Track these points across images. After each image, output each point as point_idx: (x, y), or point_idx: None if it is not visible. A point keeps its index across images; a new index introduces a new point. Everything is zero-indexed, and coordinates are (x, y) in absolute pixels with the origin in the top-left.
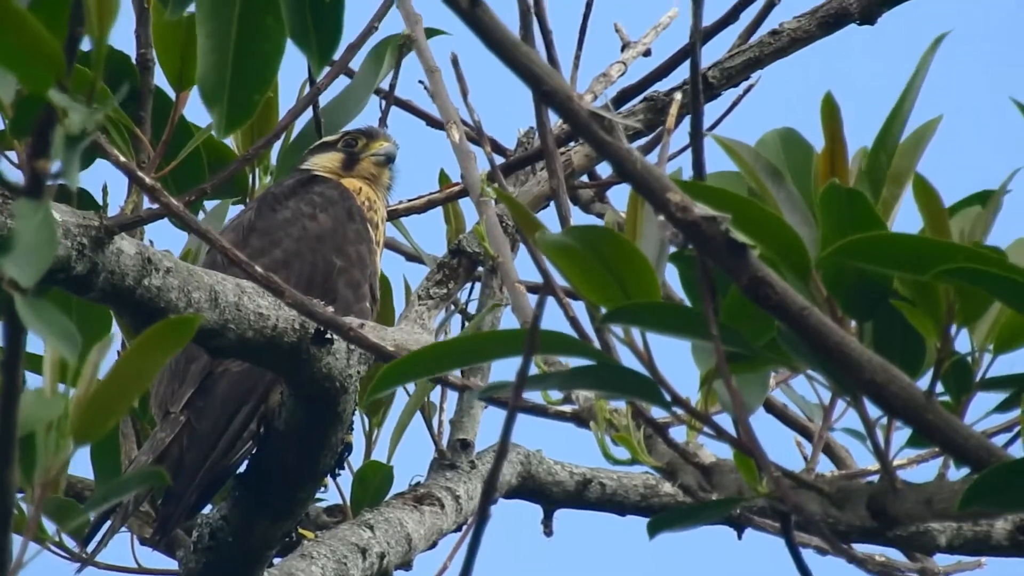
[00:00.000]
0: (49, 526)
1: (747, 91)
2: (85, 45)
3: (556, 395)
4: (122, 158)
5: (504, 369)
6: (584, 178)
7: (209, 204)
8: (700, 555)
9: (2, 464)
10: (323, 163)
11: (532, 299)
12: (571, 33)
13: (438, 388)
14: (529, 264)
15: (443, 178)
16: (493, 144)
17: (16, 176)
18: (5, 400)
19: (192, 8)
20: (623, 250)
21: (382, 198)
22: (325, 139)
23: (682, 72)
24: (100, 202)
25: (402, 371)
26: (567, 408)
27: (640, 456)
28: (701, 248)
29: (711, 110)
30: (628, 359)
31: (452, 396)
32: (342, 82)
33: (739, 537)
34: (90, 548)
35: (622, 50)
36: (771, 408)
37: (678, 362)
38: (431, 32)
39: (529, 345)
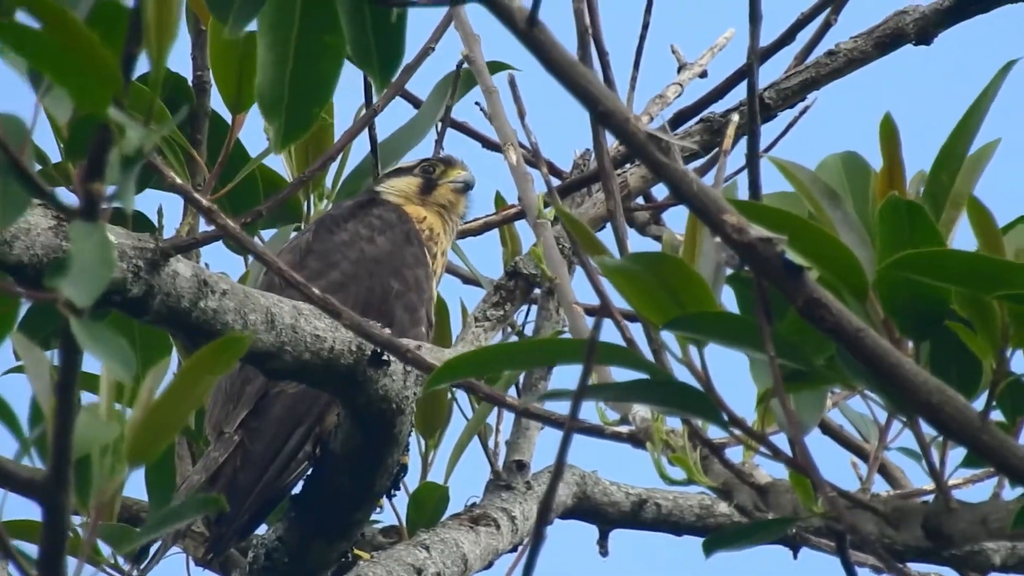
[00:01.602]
0: (104, 548)
1: (803, 112)
2: (142, 66)
3: (613, 416)
4: (178, 179)
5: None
6: (640, 200)
7: (265, 233)
8: (756, 575)
9: (57, 487)
10: (400, 187)
11: (589, 322)
12: (628, 55)
13: (494, 410)
14: (585, 286)
15: (499, 200)
16: (549, 166)
17: (71, 199)
18: (60, 422)
19: (251, 27)
20: (682, 272)
21: (451, 229)
22: (401, 165)
23: (738, 93)
24: (155, 224)
25: (459, 368)
26: (623, 429)
27: (696, 476)
28: (757, 269)
29: (767, 131)
30: (685, 379)
31: (508, 418)
32: (399, 105)
33: (795, 557)
34: (141, 567)
35: (678, 71)
36: (827, 429)
37: (735, 382)
38: (495, 66)
39: (588, 353)
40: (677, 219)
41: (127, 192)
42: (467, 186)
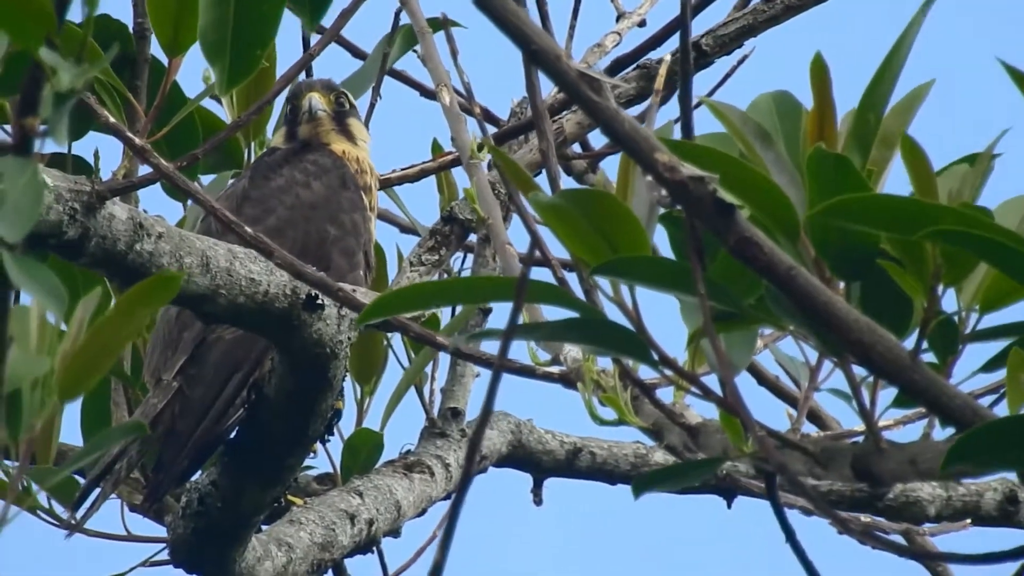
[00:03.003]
0: (42, 498)
1: (742, 61)
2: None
3: (544, 356)
4: (112, 119)
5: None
6: (577, 148)
7: (206, 179)
8: (690, 524)
9: None
10: (277, 140)
11: (520, 264)
12: (566, 4)
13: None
14: (521, 233)
15: (436, 147)
16: (486, 114)
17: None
18: None
19: None
20: (614, 210)
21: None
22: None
23: (676, 42)
24: (92, 168)
25: (392, 303)
26: (555, 369)
27: (627, 417)
28: (689, 209)
29: (706, 78)
30: (617, 319)
31: (443, 365)
32: (339, 54)
33: (728, 506)
34: (80, 514)
35: (617, 20)
36: (763, 379)
37: (666, 322)
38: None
39: (519, 290)
40: (614, 168)
41: (60, 128)
42: (310, 116)
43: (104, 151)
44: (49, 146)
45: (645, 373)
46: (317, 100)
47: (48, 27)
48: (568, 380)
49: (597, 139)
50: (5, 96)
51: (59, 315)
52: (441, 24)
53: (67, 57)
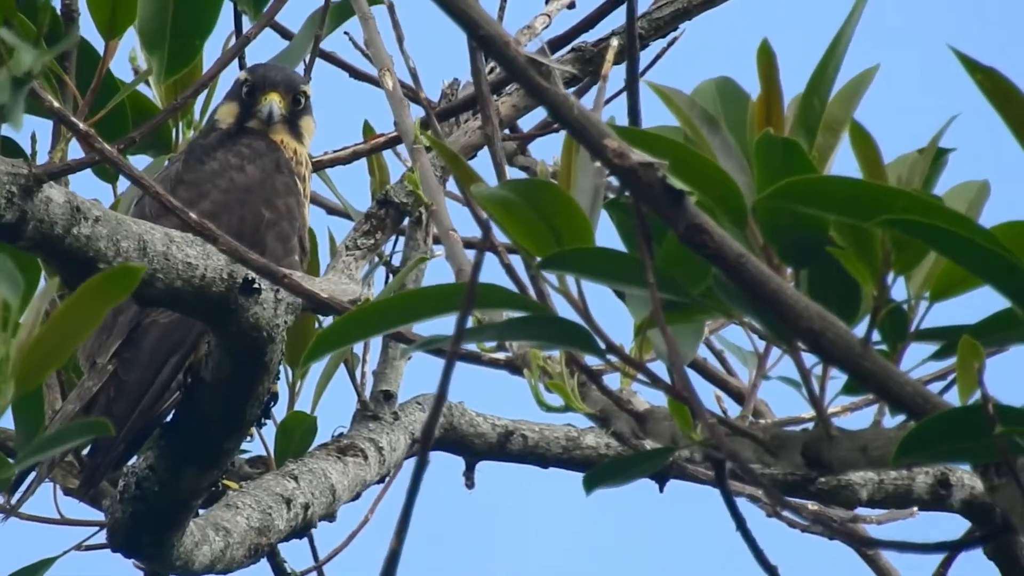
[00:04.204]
0: None
1: (672, 42)
2: None
3: (490, 343)
4: (56, 104)
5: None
6: (507, 131)
7: (136, 163)
8: (622, 506)
9: None
10: (221, 114)
11: (466, 253)
12: None
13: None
14: (459, 213)
15: (367, 129)
16: (416, 96)
17: None
18: None
19: None
20: (558, 200)
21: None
22: (240, 76)
23: (607, 24)
24: (27, 151)
25: (339, 335)
26: (501, 356)
27: (574, 403)
28: (638, 195)
29: (639, 59)
30: (563, 309)
31: (375, 347)
32: (269, 36)
33: (660, 490)
34: (15, 499)
35: (547, 2)
36: (700, 367)
37: (613, 312)
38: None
39: (467, 300)
40: (545, 150)
41: (16, 112)
42: (266, 121)
43: (36, 130)
44: None
45: (592, 361)
46: (277, 108)
47: (8, 10)
48: (514, 366)
49: (528, 121)
50: None
51: (14, 300)
52: (388, 9)
53: (25, 40)
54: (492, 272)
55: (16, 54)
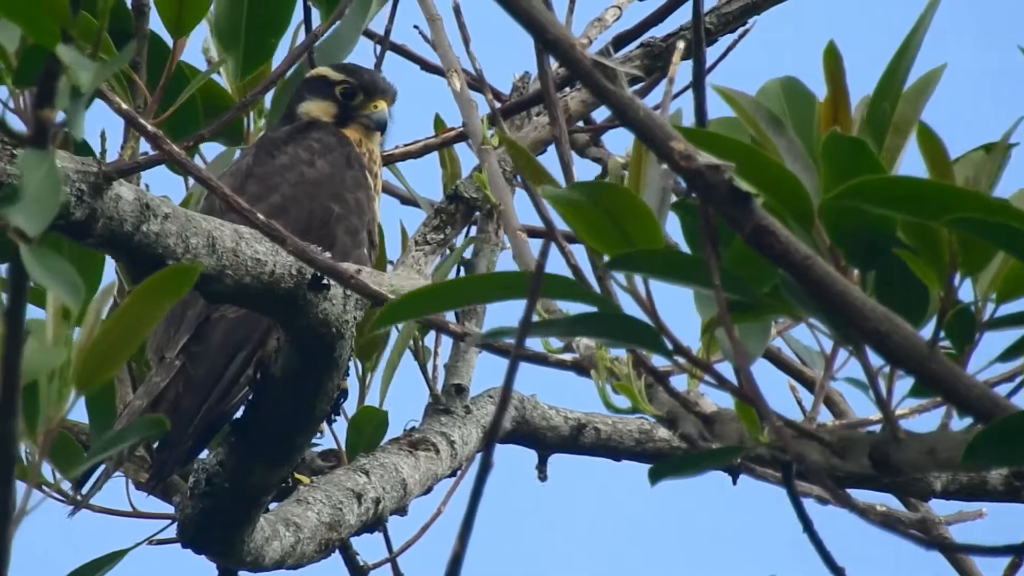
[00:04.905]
0: (47, 473)
1: (741, 36)
2: None
3: (556, 343)
4: (124, 105)
5: (499, 316)
6: (580, 123)
7: (207, 151)
8: (695, 500)
9: (6, 414)
10: (314, 112)
11: (533, 246)
12: None
13: (433, 333)
14: (527, 208)
15: (439, 123)
16: (491, 92)
17: (20, 125)
18: (9, 350)
19: None
20: (626, 200)
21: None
22: (328, 75)
23: (678, 17)
24: (97, 148)
25: (402, 309)
26: (567, 356)
27: (641, 405)
28: (704, 197)
29: (706, 56)
30: (630, 307)
31: (447, 341)
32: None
33: (734, 483)
34: (84, 491)
35: None
36: (772, 356)
37: (680, 311)
38: None
39: (533, 289)
40: (617, 141)
41: (77, 120)
42: (378, 127)
43: (106, 127)
44: None
45: (659, 361)
46: (387, 115)
47: (63, 20)
48: (581, 367)
49: (600, 112)
50: (20, 87)
51: (75, 306)
52: (454, 11)
53: (82, 48)
54: (558, 272)
55: (74, 68)
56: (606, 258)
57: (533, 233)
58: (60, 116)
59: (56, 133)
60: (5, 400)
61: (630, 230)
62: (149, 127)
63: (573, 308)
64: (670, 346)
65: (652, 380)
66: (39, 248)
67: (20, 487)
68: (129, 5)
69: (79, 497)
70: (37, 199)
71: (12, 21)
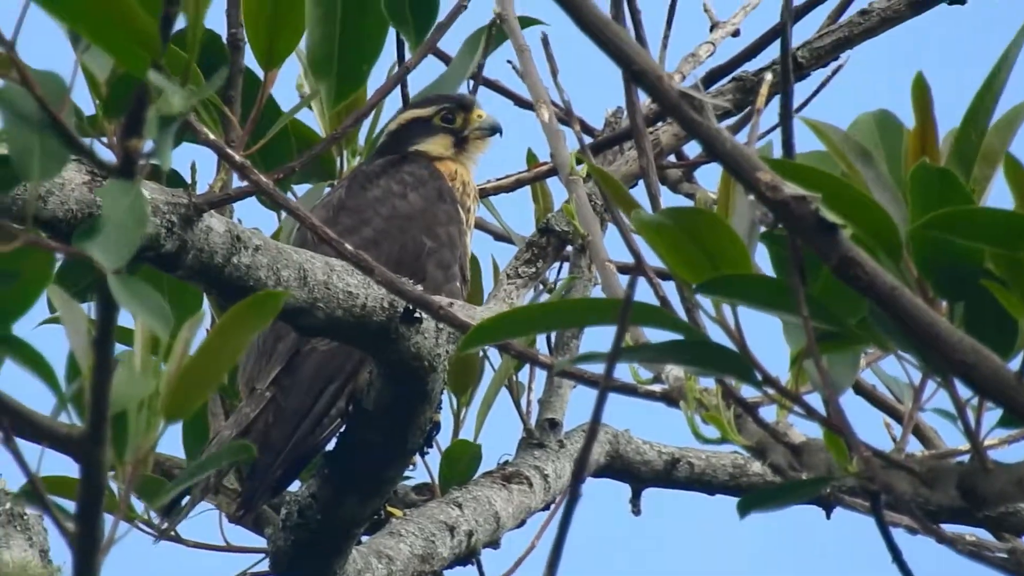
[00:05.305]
0: (136, 503)
1: (835, 71)
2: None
3: (646, 374)
4: (212, 136)
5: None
6: (672, 158)
7: (299, 189)
8: (789, 534)
9: (94, 442)
10: (435, 150)
11: (622, 280)
12: (660, 13)
13: (527, 369)
14: (617, 244)
15: (531, 158)
16: (580, 124)
17: (106, 154)
18: (97, 378)
19: None
20: (716, 229)
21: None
22: (419, 114)
23: (771, 52)
24: (188, 180)
25: (490, 331)
26: (657, 387)
27: (730, 435)
28: (791, 227)
29: (800, 90)
30: (719, 338)
31: (540, 376)
32: (429, 63)
33: (827, 516)
34: (172, 520)
35: (711, 30)
36: (860, 389)
37: (769, 341)
38: (525, 21)
39: (623, 315)
40: (709, 177)
41: (165, 150)
42: (494, 130)
43: (197, 160)
44: None
45: (747, 392)
46: (495, 118)
47: (154, 50)
48: (670, 398)
49: (692, 148)
50: (109, 116)
51: (164, 333)
52: (542, 42)
53: (172, 79)
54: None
55: (164, 96)
56: (695, 285)
57: (623, 269)
58: (148, 146)
59: (144, 165)
60: (93, 429)
61: (719, 257)
62: (237, 157)
63: (661, 339)
64: (759, 376)
65: (741, 410)
66: (127, 277)
67: (109, 519)
68: (225, 40)
69: (167, 527)
70: (119, 231)
71: (103, 49)
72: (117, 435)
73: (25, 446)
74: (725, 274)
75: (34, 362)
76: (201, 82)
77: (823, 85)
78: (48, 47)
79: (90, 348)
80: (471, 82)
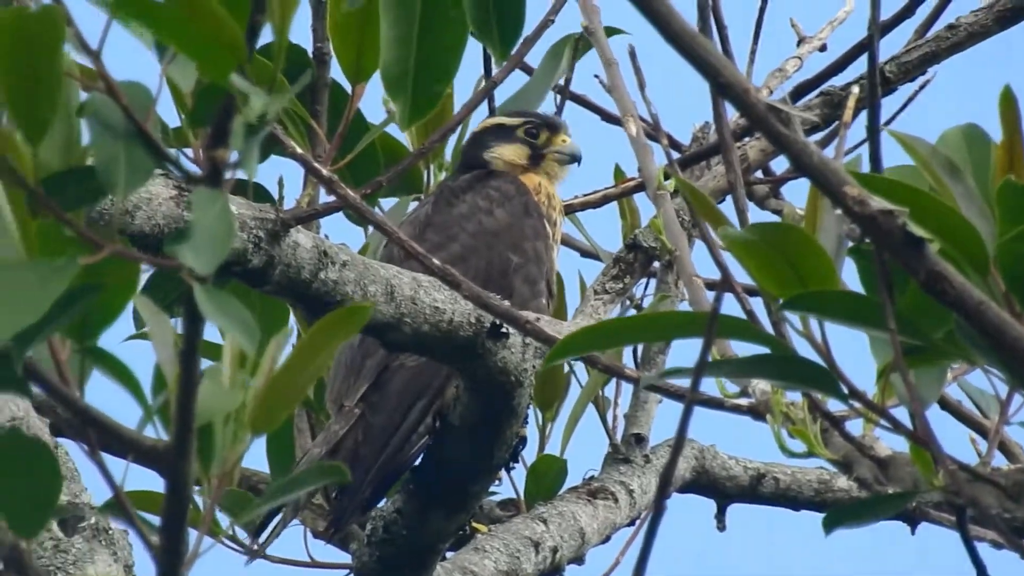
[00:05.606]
0: (222, 519)
1: (923, 86)
2: (264, 37)
3: (732, 388)
4: (299, 149)
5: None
6: (759, 174)
7: (385, 203)
8: (874, 550)
9: (179, 455)
10: (508, 156)
11: (709, 296)
12: (747, 29)
13: (613, 383)
14: (704, 260)
15: (618, 173)
16: (668, 139)
17: (190, 167)
18: (183, 390)
19: None
20: (803, 244)
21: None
22: (504, 122)
23: (858, 67)
24: (275, 197)
25: (581, 342)
26: (743, 401)
27: (816, 449)
28: (878, 242)
29: (887, 104)
30: (806, 352)
31: (626, 390)
32: (517, 77)
33: (912, 532)
34: (261, 540)
35: (798, 45)
36: (946, 405)
37: (855, 355)
38: (610, 31)
39: (709, 328)
40: (796, 193)
41: (250, 159)
42: (573, 158)
43: (284, 176)
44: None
45: (833, 406)
46: (578, 146)
47: (240, 58)
48: (757, 412)
49: (779, 163)
50: (194, 128)
51: (252, 349)
52: (629, 55)
53: (257, 87)
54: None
55: (249, 99)
56: (782, 300)
57: (710, 285)
58: (234, 157)
59: (231, 176)
60: (179, 441)
61: (805, 272)
62: (325, 171)
63: (748, 353)
64: (845, 390)
65: (827, 424)
66: (214, 289)
67: (193, 533)
68: (311, 54)
69: (256, 546)
70: (209, 238)
71: (188, 55)
72: (203, 448)
73: (110, 461)
74: (812, 290)
75: (120, 374)
76: (287, 90)
77: (910, 100)
78: (131, 63)
79: (176, 360)
80: (558, 96)
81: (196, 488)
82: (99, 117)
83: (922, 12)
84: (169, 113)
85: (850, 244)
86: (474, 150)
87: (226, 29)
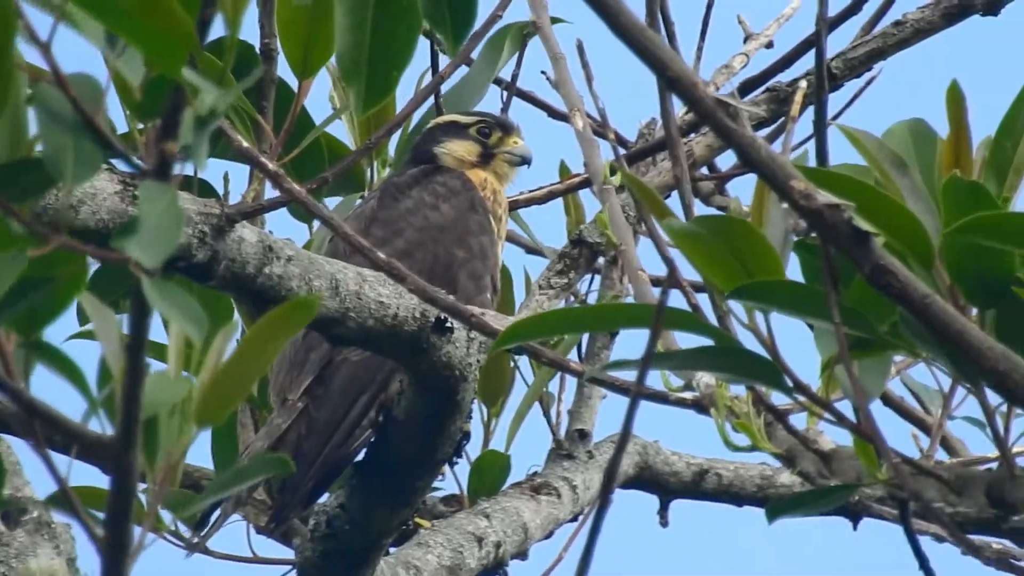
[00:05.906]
0: (165, 515)
1: (870, 82)
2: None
3: (677, 382)
4: (245, 143)
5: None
6: (705, 170)
7: (329, 202)
8: (816, 546)
9: (125, 447)
10: (458, 152)
11: (653, 291)
12: (694, 25)
13: (557, 379)
14: (649, 256)
15: (563, 169)
16: (615, 135)
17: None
18: (130, 382)
19: None
20: (749, 237)
21: (503, 190)
22: (458, 119)
23: (804, 63)
24: (220, 192)
25: (528, 329)
26: (688, 395)
27: (760, 443)
28: (824, 236)
29: (834, 100)
30: (751, 346)
31: (570, 386)
32: (463, 73)
33: (855, 527)
34: (202, 534)
35: (744, 42)
36: (889, 401)
37: (799, 350)
38: (555, 20)
39: (656, 319)
40: (742, 189)
41: (200, 153)
42: (524, 160)
43: (230, 172)
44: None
45: (777, 400)
46: (529, 149)
47: (191, 49)
48: (701, 406)
49: (725, 160)
50: (143, 121)
51: (200, 338)
52: (577, 49)
53: (207, 80)
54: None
55: (200, 94)
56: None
57: (655, 281)
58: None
59: (179, 170)
60: (124, 432)
61: (751, 265)
62: (271, 166)
63: (696, 343)
64: (790, 383)
65: (771, 418)
66: (161, 281)
67: (137, 529)
68: (258, 50)
69: (197, 539)
70: (157, 231)
71: (139, 47)
72: (148, 440)
73: (54, 456)
74: (758, 280)
75: (65, 367)
76: (236, 85)
77: (857, 95)
78: (81, 57)
79: (122, 352)
80: (504, 92)
81: (141, 486)
82: (48, 108)
83: (869, 8)
84: (115, 111)
85: (796, 238)
86: (424, 144)
87: (179, 21)
